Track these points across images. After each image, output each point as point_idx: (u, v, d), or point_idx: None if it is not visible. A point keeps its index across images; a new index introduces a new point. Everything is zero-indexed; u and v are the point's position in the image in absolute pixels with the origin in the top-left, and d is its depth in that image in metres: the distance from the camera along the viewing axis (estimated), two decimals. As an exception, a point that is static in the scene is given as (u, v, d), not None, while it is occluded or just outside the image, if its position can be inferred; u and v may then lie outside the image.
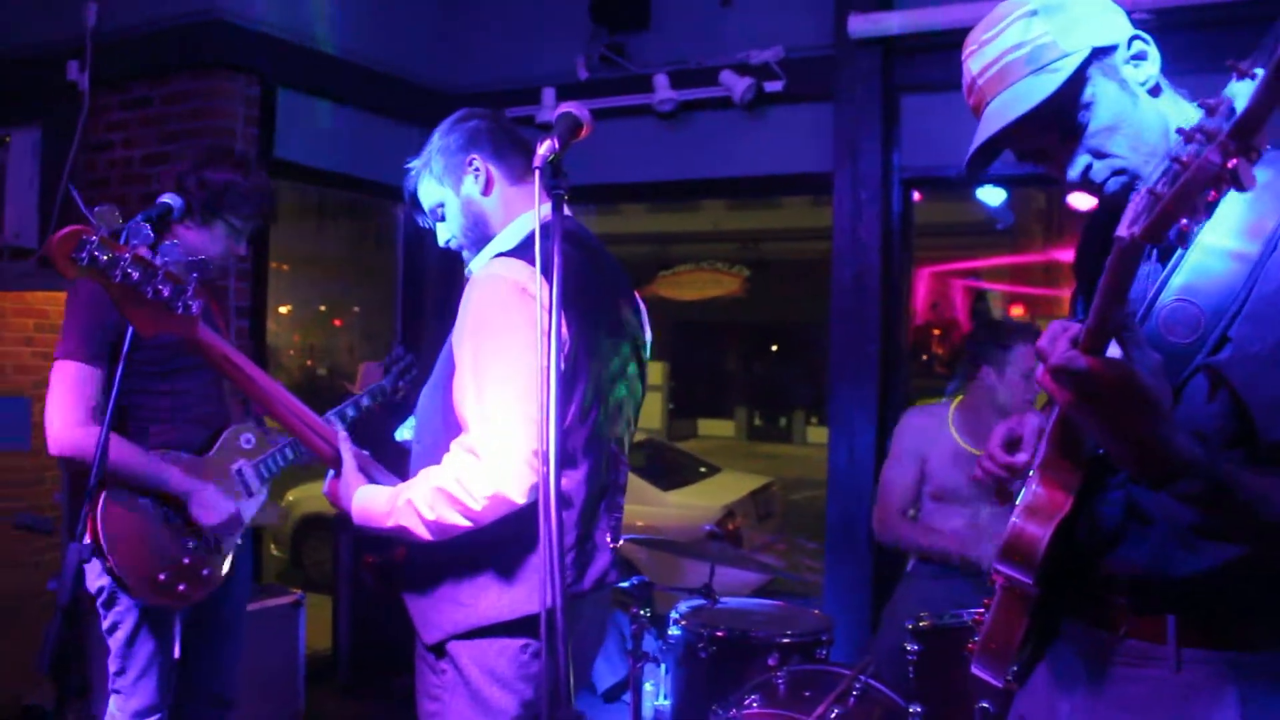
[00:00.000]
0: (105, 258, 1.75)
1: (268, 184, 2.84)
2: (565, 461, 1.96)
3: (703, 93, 4.78)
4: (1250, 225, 1.34)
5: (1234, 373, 1.32)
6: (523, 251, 1.98)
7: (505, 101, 5.17)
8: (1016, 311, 13.20)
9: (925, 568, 3.50)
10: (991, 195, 4.96)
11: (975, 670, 1.62)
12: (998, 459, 1.58)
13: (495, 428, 1.85)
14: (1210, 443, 1.34)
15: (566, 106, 1.71)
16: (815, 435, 18.51)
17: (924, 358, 15.08)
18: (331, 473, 2.12)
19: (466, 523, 1.88)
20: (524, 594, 1.95)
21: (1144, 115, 1.45)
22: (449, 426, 1.96)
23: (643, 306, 2.31)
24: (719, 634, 3.08)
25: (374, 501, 1.99)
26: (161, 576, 2.61)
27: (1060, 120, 1.45)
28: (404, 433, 2.29)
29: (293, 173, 4.85)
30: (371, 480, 2.07)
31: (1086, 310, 1.24)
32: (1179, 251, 1.39)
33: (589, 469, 2.02)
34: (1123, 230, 1.13)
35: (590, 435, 2.02)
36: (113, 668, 2.69)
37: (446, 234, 2.22)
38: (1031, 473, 1.50)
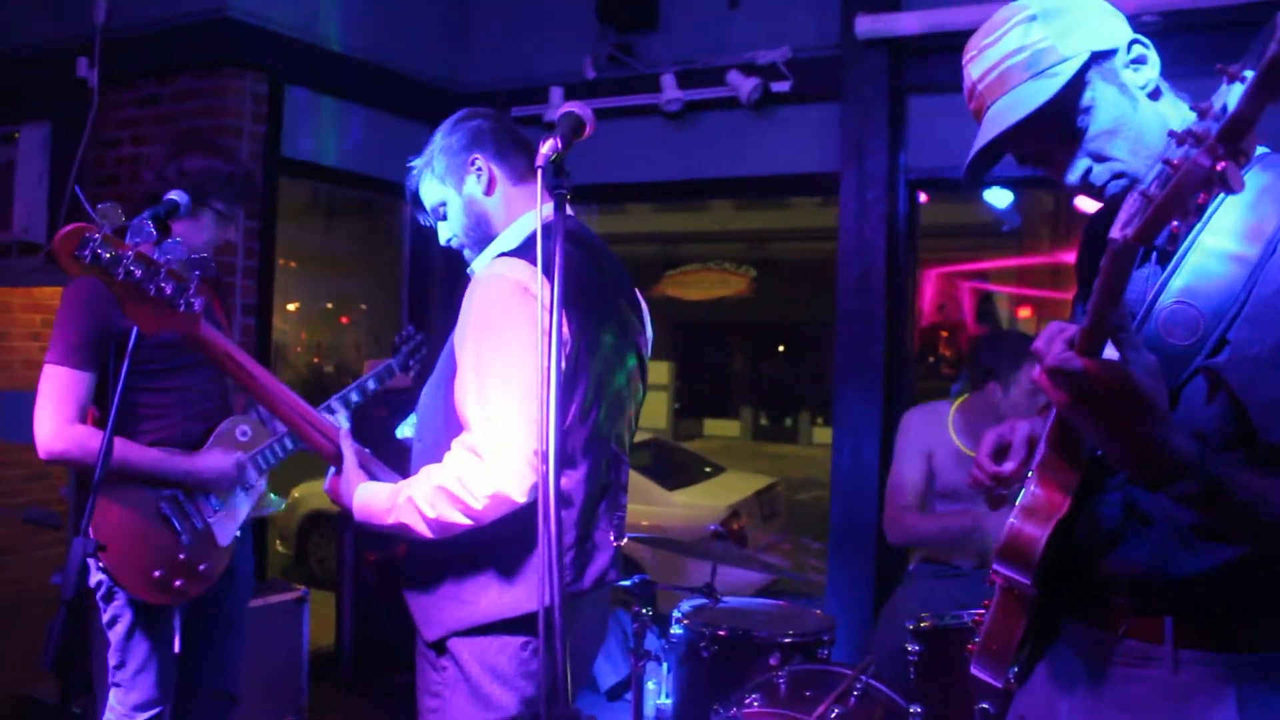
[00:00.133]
0: (108, 255, 1.76)
1: (247, 167, 2.82)
2: (565, 461, 1.97)
3: (710, 93, 4.78)
4: (1250, 228, 1.34)
5: (1232, 375, 1.33)
6: (525, 251, 1.99)
7: (513, 100, 5.19)
8: (1024, 313, 13.20)
9: (926, 568, 3.51)
10: (999, 197, 4.95)
11: (975, 671, 1.63)
12: (986, 468, 1.60)
13: (496, 427, 1.86)
14: (1209, 444, 1.34)
15: (569, 106, 1.72)
16: (821, 436, 18.50)
17: (930, 359, 15.08)
18: (333, 469, 2.12)
19: (467, 521, 1.88)
20: (525, 592, 1.96)
21: (1144, 118, 1.45)
22: (450, 425, 1.96)
23: (644, 306, 2.31)
24: (721, 633, 3.09)
25: (375, 499, 2.00)
26: (157, 573, 2.61)
27: (1060, 124, 1.45)
28: (405, 430, 2.29)
29: (300, 170, 4.87)
30: (373, 477, 2.07)
31: (1087, 309, 1.24)
32: (1179, 254, 1.40)
33: (589, 468, 2.02)
34: (1116, 232, 1.13)
35: (591, 435, 2.02)
36: (112, 661, 2.70)
37: (448, 233, 2.23)
38: (1030, 473, 1.50)
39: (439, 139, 2.19)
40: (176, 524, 2.66)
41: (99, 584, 2.66)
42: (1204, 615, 1.40)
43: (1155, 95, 1.48)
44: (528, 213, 2.14)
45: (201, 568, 2.69)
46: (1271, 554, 1.35)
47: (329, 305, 16.65)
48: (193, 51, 4.45)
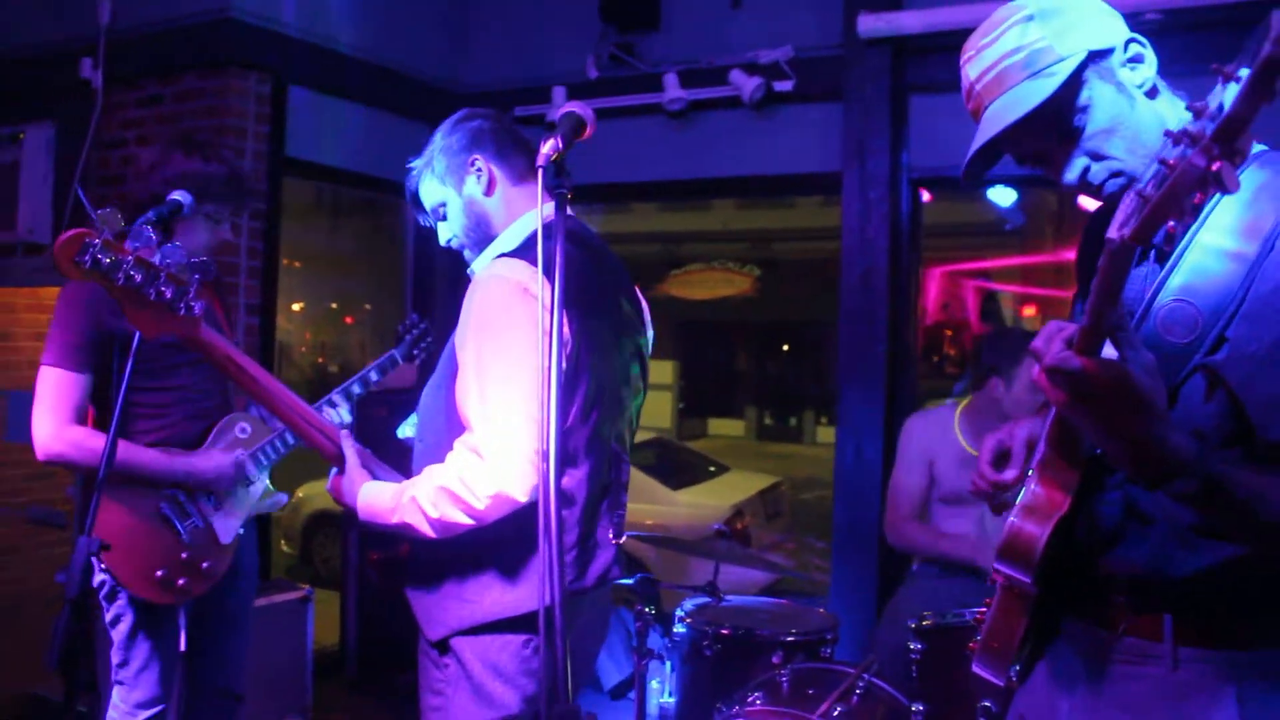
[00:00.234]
0: (108, 260, 1.77)
1: (234, 166, 2.77)
2: (567, 460, 1.98)
3: (712, 92, 4.78)
4: (1248, 225, 1.34)
5: (1231, 372, 1.33)
6: (525, 252, 1.99)
7: (515, 100, 5.20)
8: (1028, 312, 13.17)
9: (929, 568, 3.51)
10: (1002, 196, 4.95)
11: (976, 669, 1.63)
12: (986, 476, 1.60)
13: (498, 428, 1.86)
14: (1208, 442, 1.34)
15: (570, 106, 1.72)
16: (825, 435, 18.50)
17: (935, 358, 15.06)
18: (335, 469, 2.13)
19: (469, 521, 1.89)
20: (527, 591, 1.97)
21: (1141, 117, 1.46)
22: (451, 425, 1.97)
23: (645, 305, 2.32)
24: (724, 632, 3.09)
25: (379, 498, 2.01)
26: (159, 572, 2.61)
27: (1057, 123, 1.46)
28: (406, 430, 2.30)
29: (303, 170, 4.88)
30: (374, 477, 2.08)
31: (1085, 309, 1.24)
32: (1177, 252, 1.40)
33: (591, 467, 2.03)
34: (1113, 232, 1.13)
35: (592, 434, 2.03)
36: (115, 660, 2.70)
37: (448, 233, 2.23)
38: (1030, 471, 1.50)
39: (438, 139, 2.20)
40: (177, 523, 2.66)
41: (102, 583, 2.66)
42: (1203, 613, 1.41)
43: (1152, 94, 1.48)
44: (527, 213, 2.15)
45: (204, 566, 2.69)
46: (1271, 552, 1.35)
47: (333, 305, 16.65)
48: (196, 52, 4.46)
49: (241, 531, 2.82)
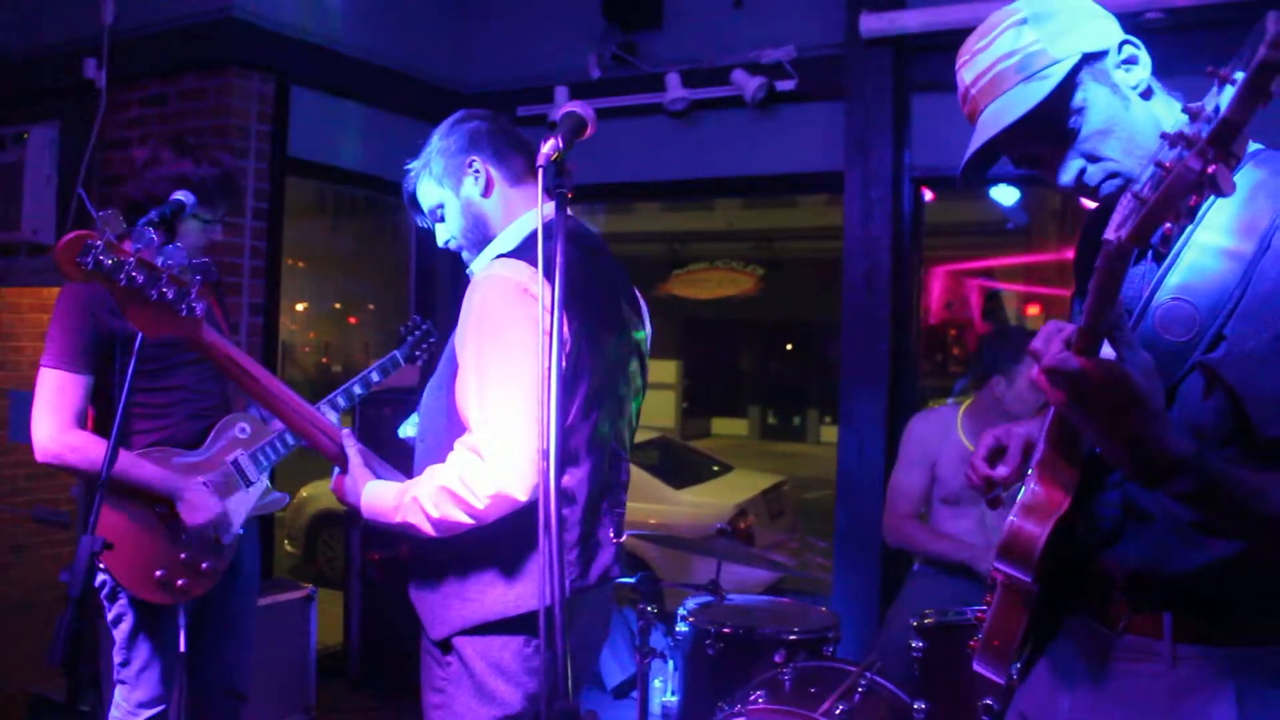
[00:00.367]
0: (110, 262, 1.78)
1: (223, 167, 2.74)
2: (568, 459, 1.99)
3: (715, 92, 4.78)
4: (1244, 224, 1.35)
5: (1229, 370, 1.33)
6: (524, 252, 2.00)
7: (518, 100, 5.21)
8: (1032, 311, 13.17)
9: (931, 566, 3.51)
10: (1005, 195, 4.95)
11: (977, 667, 1.63)
12: (979, 470, 1.61)
13: (498, 428, 1.87)
14: (1207, 440, 1.35)
15: (571, 105, 1.72)
16: (829, 434, 18.48)
17: (938, 357, 15.05)
18: (338, 469, 2.14)
19: (470, 521, 1.90)
20: (530, 590, 1.97)
21: (1136, 118, 1.46)
22: (452, 425, 1.98)
23: (643, 304, 2.32)
24: (726, 630, 3.09)
25: (382, 498, 2.01)
26: (159, 573, 2.61)
27: (1052, 125, 1.46)
28: (407, 430, 2.30)
29: (306, 170, 4.88)
30: (377, 476, 2.09)
31: (1083, 310, 1.25)
32: (1174, 251, 1.41)
33: (591, 466, 2.04)
34: (1110, 234, 1.14)
35: (592, 433, 2.03)
36: (117, 659, 2.71)
37: (446, 235, 2.23)
38: (1030, 471, 1.51)
39: (436, 141, 2.20)
40: (176, 524, 2.66)
41: (103, 584, 2.66)
42: (1202, 610, 1.41)
43: (1147, 95, 1.49)
44: (525, 214, 2.15)
45: (204, 566, 2.69)
46: (1270, 549, 1.35)
47: (337, 305, 16.68)
48: (199, 52, 4.47)
49: (241, 532, 2.81)
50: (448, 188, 2.18)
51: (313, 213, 10.48)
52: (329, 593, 4.77)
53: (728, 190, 6.96)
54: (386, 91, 5.15)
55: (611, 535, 2.10)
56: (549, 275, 1.58)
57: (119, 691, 2.72)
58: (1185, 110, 1.08)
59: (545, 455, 1.46)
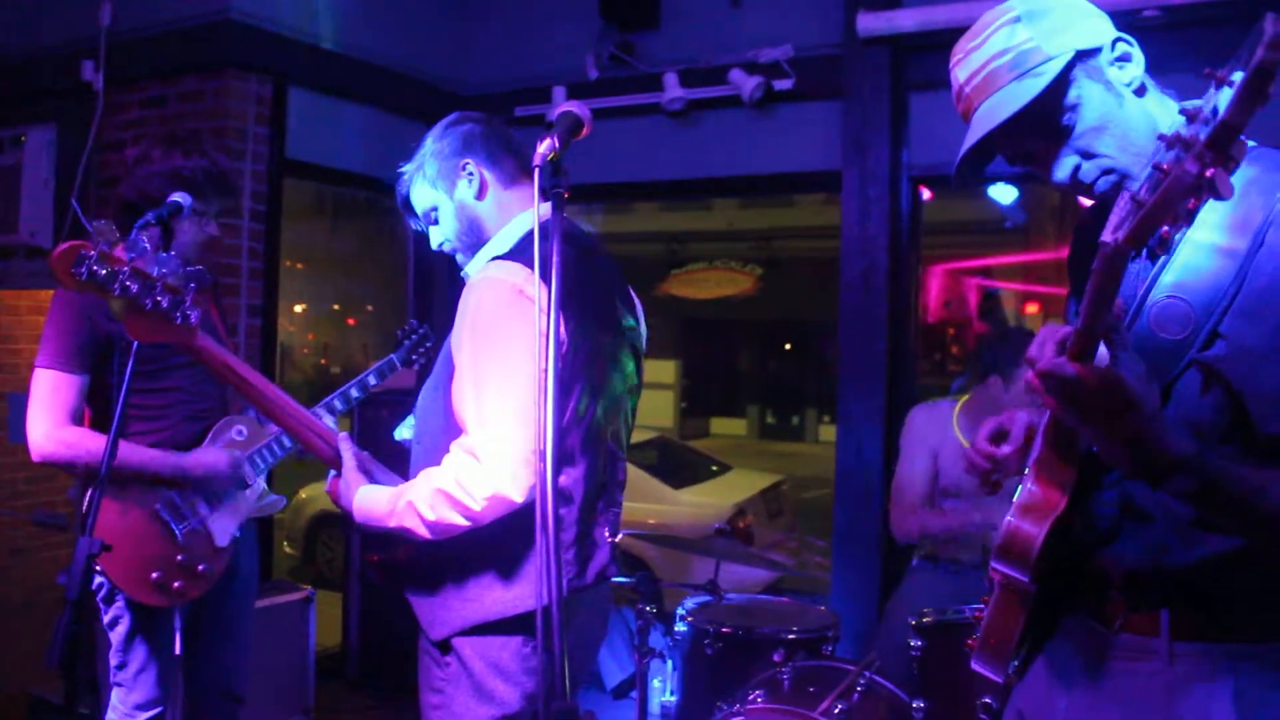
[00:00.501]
0: (104, 272, 1.79)
1: (214, 161, 2.73)
2: (564, 459, 1.99)
3: (712, 91, 4.78)
4: (1237, 221, 1.35)
5: (1228, 367, 1.33)
6: (519, 254, 2.00)
7: (515, 100, 5.21)
8: (1030, 310, 13.17)
9: (928, 564, 3.52)
10: (1003, 193, 4.95)
11: (975, 666, 1.63)
12: (982, 450, 1.60)
13: (494, 430, 1.87)
14: (1205, 438, 1.35)
15: (567, 105, 1.72)
16: (827, 434, 18.47)
17: (936, 356, 15.06)
18: (333, 471, 2.14)
19: (466, 523, 1.89)
20: (528, 590, 1.97)
21: (1130, 115, 1.47)
22: (449, 427, 1.98)
23: (639, 304, 2.32)
24: (725, 630, 3.10)
25: (375, 502, 2.01)
26: (155, 575, 2.61)
27: (1047, 122, 1.47)
28: (403, 432, 2.30)
29: (304, 171, 4.88)
30: (372, 479, 2.09)
31: (1079, 311, 1.25)
32: (1169, 249, 1.40)
33: (587, 466, 2.04)
34: (1107, 236, 1.14)
35: (588, 433, 2.03)
36: (114, 661, 2.70)
37: (440, 237, 2.23)
38: (1027, 470, 1.51)
39: (429, 143, 2.20)
40: (173, 526, 2.66)
41: (99, 586, 2.66)
42: (1200, 608, 1.41)
43: (1141, 92, 1.49)
44: (520, 215, 2.15)
45: (200, 569, 2.69)
46: (1270, 546, 1.35)
47: (335, 306, 16.66)
48: (196, 53, 4.47)
49: (238, 534, 2.81)
50: (441, 190, 2.18)
51: (311, 214, 10.47)
52: (328, 594, 4.77)
53: (726, 190, 6.97)
54: (384, 92, 5.14)
55: (608, 535, 2.10)
56: (545, 276, 1.58)
57: (116, 694, 2.72)
58: (1182, 111, 1.08)
59: (541, 456, 1.46)
